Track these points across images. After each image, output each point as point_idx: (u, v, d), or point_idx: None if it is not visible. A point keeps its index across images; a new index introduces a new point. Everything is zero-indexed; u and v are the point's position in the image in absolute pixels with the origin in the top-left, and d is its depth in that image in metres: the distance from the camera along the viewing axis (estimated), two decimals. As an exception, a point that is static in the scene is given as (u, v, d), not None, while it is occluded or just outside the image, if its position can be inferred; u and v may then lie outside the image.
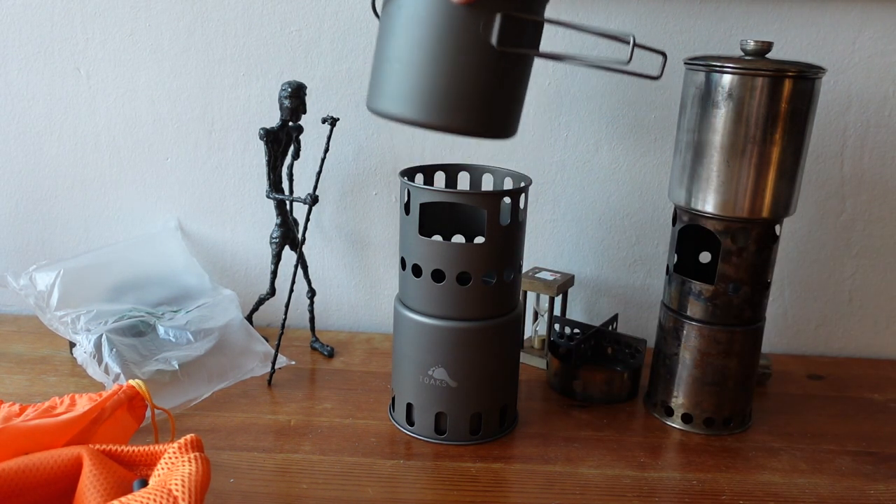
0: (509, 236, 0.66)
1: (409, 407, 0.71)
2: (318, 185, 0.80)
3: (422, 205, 0.65)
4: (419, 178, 0.72)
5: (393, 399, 0.74)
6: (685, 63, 0.70)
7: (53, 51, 0.89)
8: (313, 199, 0.80)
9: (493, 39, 0.51)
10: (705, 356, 0.73)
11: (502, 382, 0.70)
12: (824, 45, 0.85)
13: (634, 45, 0.49)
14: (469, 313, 0.66)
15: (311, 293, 0.89)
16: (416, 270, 0.66)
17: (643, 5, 0.85)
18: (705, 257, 0.78)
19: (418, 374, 0.69)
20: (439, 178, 0.74)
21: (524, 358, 0.88)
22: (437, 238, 0.70)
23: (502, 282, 0.67)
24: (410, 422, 0.71)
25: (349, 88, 0.89)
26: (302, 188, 0.88)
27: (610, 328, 0.87)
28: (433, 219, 0.69)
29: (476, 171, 0.75)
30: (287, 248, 0.87)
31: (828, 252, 0.93)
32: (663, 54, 0.50)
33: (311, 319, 0.90)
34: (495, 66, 0.52)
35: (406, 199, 0.66)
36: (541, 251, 0.94)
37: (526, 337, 0.91)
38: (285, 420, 0.74)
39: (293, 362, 0.84)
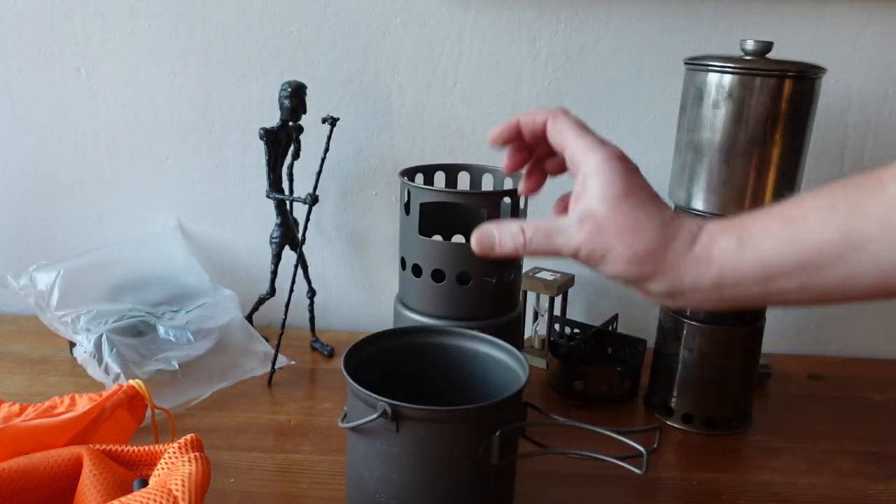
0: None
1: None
2: (318, 185, 0.80)
3: (422, 205, 0.65)
4: (419, 178, 0.72)
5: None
6: (685, 63, 0.70)
7: (53, 51, 0.89)
8: (313, 199, 0.80)
9: (494, 459, 0.51)
10: (705, 356, 0.73)
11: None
12: (824, 45, 0.85)
13: (649, 455, 0.50)
14: (469, 313, 0.66)
15: (311, 293, 0.89)
16: (417, 270, 0.66)
17: (643, 5, 0.85)
18: (705, 257, 0.78)
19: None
20: (439, 178, 0.74)
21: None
22: (437, 238, 0.70)
23: (502, 282, 0.67)
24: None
25: (349, 88, 0.89)
26: (302, 188, 0.88)
27: (610, 328, 0.87)
28: (433, 219, 0.69)
29: (476, 171, 0.75)
30: (287, 247, 0.87)
31: (828, 252, 0.93)
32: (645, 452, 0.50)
33: (311, 319, 0.90)
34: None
35: (406, 199, 0.66)
36: (541, 251, 0.94)
37: (526, 337, 0.91)
38: (285, 420, 0.74)
39: (293, 362, 0.84)
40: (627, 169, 0.46)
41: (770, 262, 0.42)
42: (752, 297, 0.44)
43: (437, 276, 0.65)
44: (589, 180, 0.46)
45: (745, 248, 0.43)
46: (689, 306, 0.47)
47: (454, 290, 0.65)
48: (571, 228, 0.45)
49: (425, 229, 0.66)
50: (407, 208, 0.66)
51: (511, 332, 0.69)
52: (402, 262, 0.68)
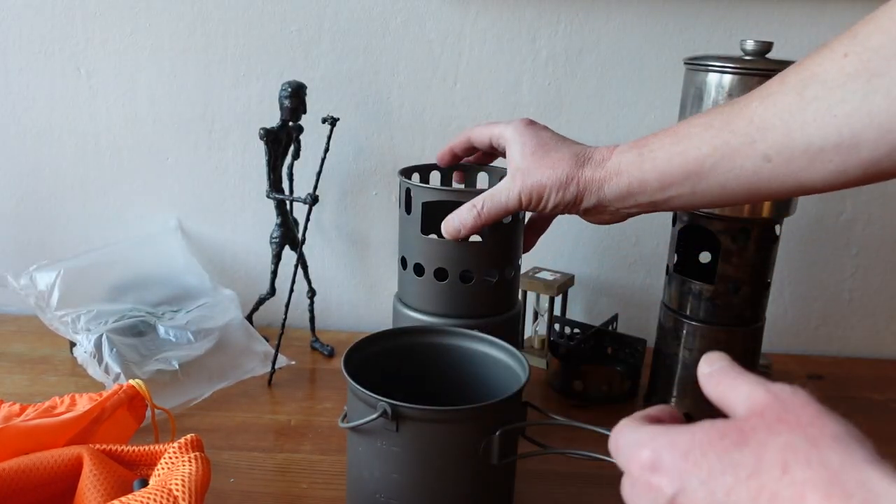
0: (510, 234, 0.66)
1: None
2: (318, 185, 0.80)
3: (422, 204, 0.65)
4: (415, 177, 0.72)
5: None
6: (685, 63, 0.70)
7: (53, 51, 0.89)
8: (313, 199, 0.80)
9: (494, 458, 0.51)
10: (705, 356, 0.73)
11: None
12: (824, 45, 0.85)
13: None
14: (471, 311, 0.66)
15: (311, 293, 0.89)
16: (418, 269, 0.66)
17: (643, 5, 0.85)
18: (705, 257, 0.78)
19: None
20: (434, 178, 0.74)
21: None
22: (434, 237, 0.70)
23: (503, 280, 0.67)
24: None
25: (349, 88, 0.89)
26: (302, 188, 0.88)
27: (610, 328, 0.87)
28: (430, 218, 0.69)
29: (471, 171, 0.75)
30: (287, 247, 0.87)
31: (828, 252, 0.93)
32: None
33: (311, 319, 0.90)
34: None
35: (407, 198, 0.66)
36: (541, 251, 0.93)
37: (526, 337, 0.91)
38: (285, 420, 0.74)
39: (293, 362, 0.84)
40: (535, 130, 0.58)
41: (664, 171, 0.51)
42: (659, 202, 0.53)
43: (440, 274, 0.65)
44: (510, 148, 0.58)
45: (645, 159, 0.52)
46: (618, 216, 0.57)
47: (454, 289, 0.65)
48: (507, 184, 0.57)
49: (423, 228, 0.66)
50: (409, 208, 0.66)
51: (510, 331, 0.69)
52: (402, 261, 0.68)
